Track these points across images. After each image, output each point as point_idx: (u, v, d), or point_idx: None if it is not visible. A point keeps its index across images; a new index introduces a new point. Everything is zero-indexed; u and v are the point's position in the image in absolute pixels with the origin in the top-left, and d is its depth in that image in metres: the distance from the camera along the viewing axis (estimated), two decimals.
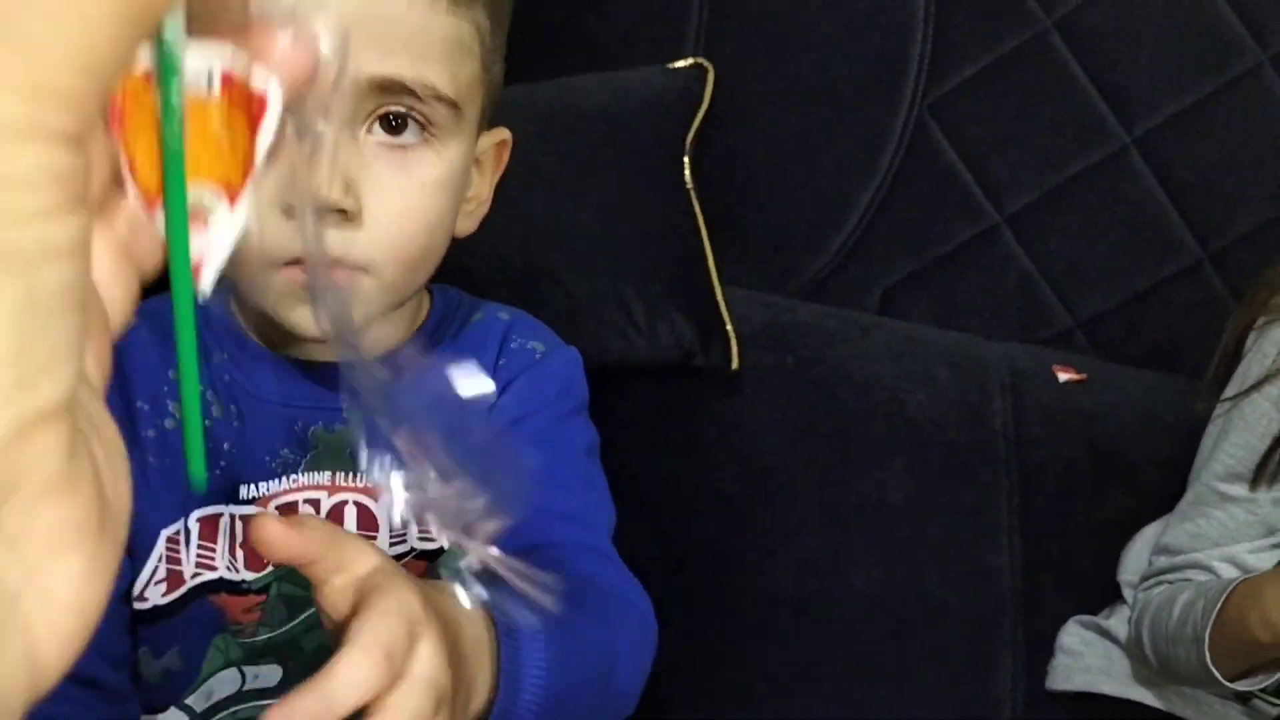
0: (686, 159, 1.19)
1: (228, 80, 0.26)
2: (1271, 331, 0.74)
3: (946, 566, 0.99)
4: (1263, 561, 0.77)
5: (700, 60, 1.22)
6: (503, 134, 0.64)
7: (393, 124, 0.54)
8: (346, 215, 0.53)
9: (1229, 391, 0.77)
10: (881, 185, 1.25)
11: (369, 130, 0.54)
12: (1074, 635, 0.89)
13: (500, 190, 0.67)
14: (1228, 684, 0.71)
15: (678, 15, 1.23)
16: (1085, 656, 0.88)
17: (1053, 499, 1.05)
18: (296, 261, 0.53)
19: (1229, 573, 0.78)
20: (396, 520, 0.43)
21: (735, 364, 1.11)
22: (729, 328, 1.12)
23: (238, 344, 0.62)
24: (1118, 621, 0.86)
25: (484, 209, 0.64)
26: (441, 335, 0.66)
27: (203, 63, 0.25)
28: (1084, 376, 1.20)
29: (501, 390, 0.65)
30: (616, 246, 1.06)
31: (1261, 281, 0.77)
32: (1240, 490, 0.76)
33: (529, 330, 0.69)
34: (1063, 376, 1.20)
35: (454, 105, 0.55)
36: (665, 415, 1.08)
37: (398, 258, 0.56)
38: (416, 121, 0.55)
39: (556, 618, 0.43)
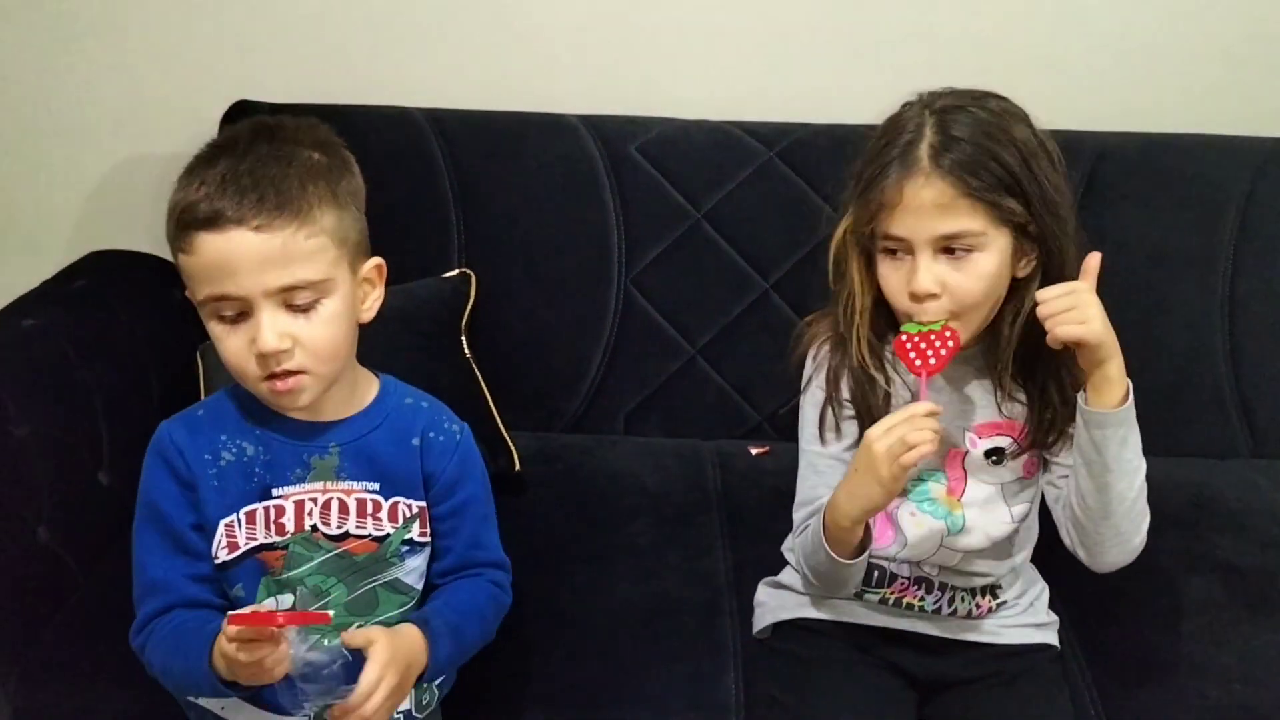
0: (464, 338, 1.64)
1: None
2: (811, 352, 1.22)
3: (681, 576, 1.40)
4: None
5: (464, 269, 1.70)
6: (377, 261, 1.04)
7: (299, 299, 0.96)
8: (289, 351, 0.95)
9: (803, 394, 1.24)
10: (609, 341, 1.73)
11: (286, 306, 0.95)
12: (762, 592, 1.32)
13: None
14: (839, 559, 1.12)
15: (444, 239, 1.71)
16: (768, 604, 1.30)
17: (749, 523, 1.49)
18: (271, 377, 0.96)
19: None
20: None
21: (518, 467, 1.53)
22: (510, 444, 1.55)
23: (264, 412, 1.02)
24: (784, 576, 1.29)
25: (378, 303, 1.04)
26: (382, 409, 1.07)
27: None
28: (768, 449, 1.67)
29: (432, 465, 1.06)
30: None
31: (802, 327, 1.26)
32: (821, 449, 1.21)
33: (443, 415, 1.10)
34: (754, 451, 1.68)
35: (328, 279, 0.97)
36: None
37: (324, 360, 0.98)
38: (310, 292, 0.96)
39: (455, 623, 1.03)
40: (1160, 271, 1.70)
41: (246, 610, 0.90)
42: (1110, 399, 1.08)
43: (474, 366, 1.64)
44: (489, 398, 1.61)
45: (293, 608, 1.02)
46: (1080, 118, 1.74)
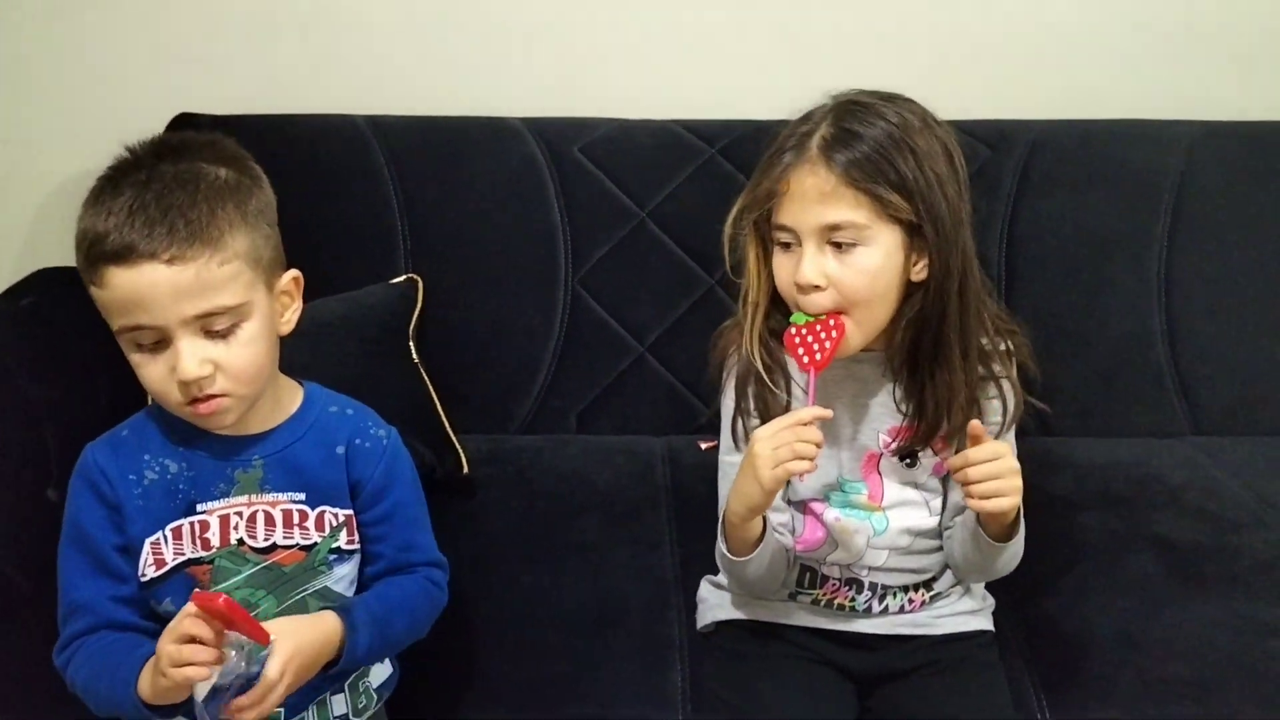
0: (411, 343, 1.65)
1: None
2: (727, 361, 1.24)
3: (629, 572, 1.42)
4: None
5: (411, 275, 1.71)
6: (294, 273, 1.03)
7: (217, 325, 0.96)
8: (211, 377, 0.95)
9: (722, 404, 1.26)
10: (558, 342, 1.74)
11: (204, 332, 0.95)
12: (704, 589, 1.33)
13: None
14: (731, 556, 1.15)
15: (390, 245, 1.72)
16: (709, 601, 1.31)
17: (697, 517, 1.50)
18: (193, 401, 0.96)
19: None
20: None
21: (466, 469, 1.54)
22: (457, 446, 1.56)
23: (188, 430, 1.02)
24: (722, 577, 1.31)
25: (297, 315, 1.04)
26: (306, 418, 1.07)
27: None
28: (716, 443, 1.68)
29: (358, 472, 1.06)
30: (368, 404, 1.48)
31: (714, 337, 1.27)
32: (734, 459, 1.21)
33: (369, 421, 1.10)
34: (703, 446, 1.69)
35: (244, 303, 0.96)
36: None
37: (245, 382, 0.98)
38: (227, 317, 0.96)
39: (380, 615, 1.03)
40: (1097, 255, 1.73)
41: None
42: (1002, 531, 1.15)
43: (423, 372, 1.65)
44: (438, 403, 1.62)
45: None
46: (1014, 107, 1.77)
